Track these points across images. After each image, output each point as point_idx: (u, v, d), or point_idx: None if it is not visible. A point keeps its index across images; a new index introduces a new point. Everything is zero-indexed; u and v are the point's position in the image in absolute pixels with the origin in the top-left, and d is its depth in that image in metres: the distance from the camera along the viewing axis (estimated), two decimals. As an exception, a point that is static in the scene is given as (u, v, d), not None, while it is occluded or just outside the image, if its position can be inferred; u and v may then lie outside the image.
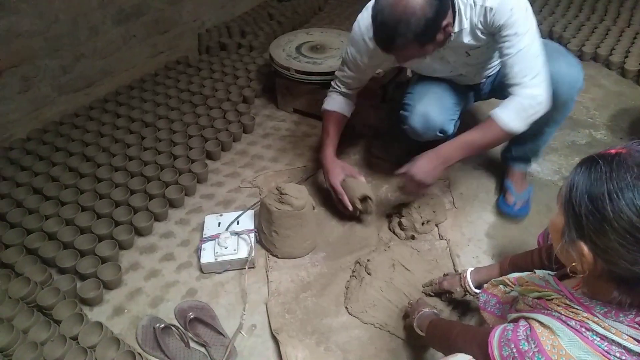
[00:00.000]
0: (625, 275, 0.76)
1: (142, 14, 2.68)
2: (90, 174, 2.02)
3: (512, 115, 1.47)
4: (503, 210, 1.88)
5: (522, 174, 1.94)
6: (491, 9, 1.43)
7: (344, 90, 1.87)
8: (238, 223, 1.77)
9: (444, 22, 1.40)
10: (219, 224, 1.77)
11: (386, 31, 1.37)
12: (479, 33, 1.52)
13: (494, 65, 1.78)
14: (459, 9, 1.48)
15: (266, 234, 1.70)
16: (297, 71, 2.32)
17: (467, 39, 1.55)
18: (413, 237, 1.77)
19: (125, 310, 1.58)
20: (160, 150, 2.15)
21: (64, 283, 1.59)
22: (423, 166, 1.56)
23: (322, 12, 3.82)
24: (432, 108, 1.73)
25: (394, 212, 1.84)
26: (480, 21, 1.48)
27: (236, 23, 3.28)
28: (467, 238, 1.79)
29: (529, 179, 2.01)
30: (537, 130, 1.69)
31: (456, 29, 1.51)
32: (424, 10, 1.31)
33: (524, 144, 1.85)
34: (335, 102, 1.89)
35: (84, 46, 2.44)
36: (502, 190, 1.96)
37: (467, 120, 2.02)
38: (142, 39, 2.73)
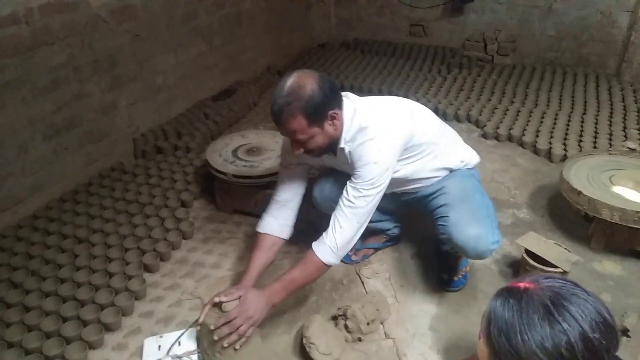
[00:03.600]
0: None
1: (74, 127, 2.67)
2: (17, 302, 1.90)
3: (326, 250, 1.63)
4: (441, 286, 1.98)
5: (454, 257, 2.01)
6: (350, 152, 1.67)
7: (279, 200, 1.88)
8: (180, 344, 1.71)
9: (332, 111, 1.60)
10: (159, 347, 1.69)
11: (279, 103, 1.54)
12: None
13: (410, 185, 1.88)
14: (342, 130, 1.66)
15: (209, 355, 1.64)
16: (234, 175, 2.37)
17: (346, 159, 1.70)
18: (360, 339, 1.77)
19: None
20: (94, 269, 2.07)
21: None
22: (253, 302, 1.57)
23: (257, 107, 3.97)
24: (328, 185, 1.97)
25: (338, 313, 1.84)
26: (349, 153, 1.68)
27: (172, 125, 3.34)
28: (412, 334, 1.81)
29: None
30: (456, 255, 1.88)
31: (341, 145, 1.68)
32: (312, 87, 1.54)
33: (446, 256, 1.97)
34: (265, 223, 1.86)
35: (12, 165, 2.39)
36: (438, 269, 2.06)
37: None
38: (74, 150, 2.71)
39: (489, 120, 3.40)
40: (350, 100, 1.71)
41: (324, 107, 1.57)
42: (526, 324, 0.79)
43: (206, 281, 2.12)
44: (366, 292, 2.01)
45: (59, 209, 2.50)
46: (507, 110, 3.56)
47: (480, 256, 1.73)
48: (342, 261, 1.76)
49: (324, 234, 1.66)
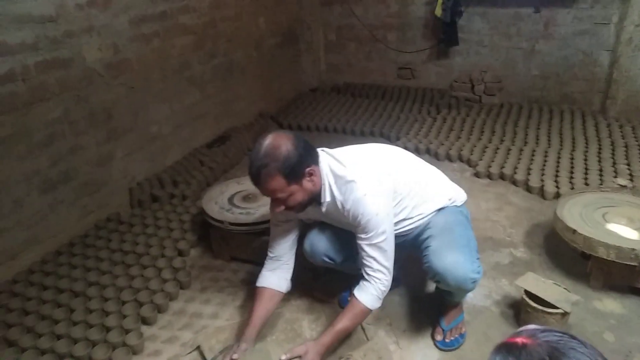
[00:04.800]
0: None
1: (70, 180, 2.69)
2: (12, 362, 1.86)
3: (374, 299, 1.73)
4: (436, 345, 1.94)
5: (452, 305, 2.01)
6: (347, 210, 1.70)
7: (273, 256, 1.96)
8: (179, 401, 1.67)
9: (309, 169, 1.66)
10: (159, 405, 1.65)
11: (256, 164, 1.60)
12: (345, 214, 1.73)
13: (401, 228, 1.90)
14: (322, 184, 1.73)
15: None
16: (231, 223, 2.37)
17: (337, 209, 1.74)
18: (363, 390, 1.74)
19: None
20: (91, 324, 2.04)
21: None
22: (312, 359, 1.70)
23: (251, 152, 4.00)
24: (319, 238, 1.99)
25: (340, 363, 1.82)
26: (345, 211, 1.71)
27: (167, 173, 3.36)
28: (416, 382, 1.79)
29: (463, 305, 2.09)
30: (452, 292, 1.89)
31: (327, 198, 1.74)
32: (287, 147, 1.60)
33: (443, 291, 1.96)
34: (263, 278, 1.95)
35: (7, 220, 2.38)
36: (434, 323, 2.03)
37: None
38: (70, 202, 2.71)
39: (481, 160, 3.45)
40: (328, 155, 1.79)
41: (300, 165, 1.63)
42: None
43: (204, 331, 2.08)
44: (367, 339, 1.98)
45: (54, 263, 2.48)
46: (498, 149, 3.62)
47: (460, 284, 1.73)
48: None
49: (364, 280, 1.74)
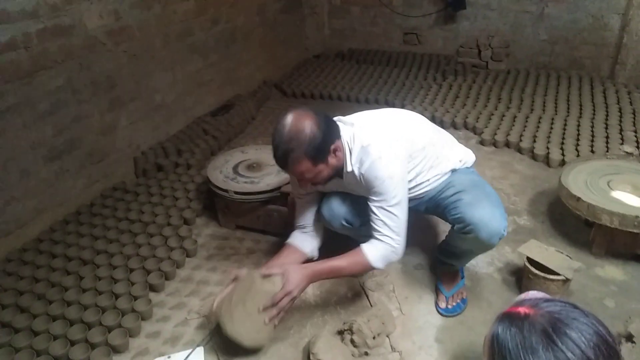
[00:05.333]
0: None
1: (75, 149, 2.69)
2: (25, 327, 1.91)
3: (378, 256, 1.71)
4: (438, 312, 1.97)
5: (451, 273, 2.04)
6: (362, 174, 1.69)
7: (299, 225, 2.02)
8: (188, 364, 1.72)
9: (333, 146, 1.65)
10: (168, 367, 1.71)
11: (281, 149, 1.60)
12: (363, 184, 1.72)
13: (417, 190, 1.90)
14: (345, 156, 1.71)
15: (230, 305, 1.69)
16: (236, 192, 2.38)
17: (355, 177, 1.73)
18: (366, 354, 1.78)
19: None
20: (100, 290, 2.08)
21: None
22: (294, 278, 1.68)
23: (255, 121, 3.99)
24: (337, 203, 1.96)
25: (344, 328, 1.85)
26: (361, 175, 1.70)
27: (171, 142, 3.36)
28: (418, 346, 1.83)
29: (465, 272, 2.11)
30: (460, 254, 1.92)
31: (348, 168, 1.72)
32: (312, 129, 1.58)
33: (448, 257, 1.99)
34: (290, 238, 2.01)
35: (15, 189, 2.40)
36: (436, 290, 2.05)
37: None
38: (75, 171, 2.72)
39: (486, 127, 3.42)
40: (345, 125, 1.77)
41: (326, 145, 1.63)
42: (530, 354, 0.81)
43: (211, 299, 2.13)
44: (371, 305, 2.02)
45: (62, 231, 2.51)
46: (504, 116, 3.58)
47: (491, 237, 1.70)
48: None
49: (373, 239, 1.72)
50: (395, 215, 1.68)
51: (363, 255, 1.72)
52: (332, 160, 1.67)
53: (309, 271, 1.72)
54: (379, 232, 1.70)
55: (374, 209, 1.70)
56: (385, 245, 1.70)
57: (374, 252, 1.71)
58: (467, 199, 1.75)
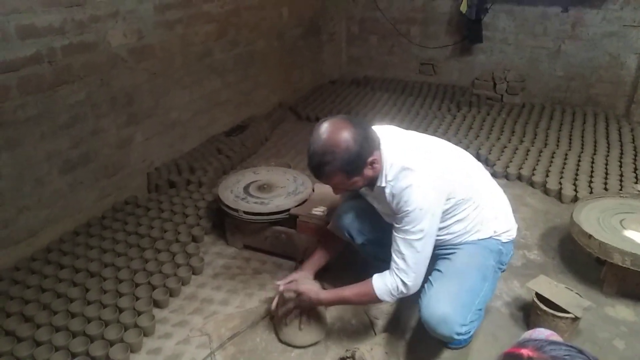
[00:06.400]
0: None
1: (89, 161, 2.74)
2: (28, 337, 1.91)
3: (385, 290, 1.67)
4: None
5: None
6: (393, 195, 1.64)
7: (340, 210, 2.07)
8: (187, 384, 1.70)
9: (370, 159, 1.60)
10: (167, 386, 1.69)
11: (315, 160, 1.58)
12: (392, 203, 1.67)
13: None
14: (382, 169, 1.66)
15: (278, 318, 1.95)
16: (245, 212, 2.39)
17: (383, 194, 1.69)
18: (367, 383, 1.75)
19: None
20: (105, 304, 2.09)
21: None
22: (309, 292, 1.82)
23: (269, 142, 4.03)
24: (347, 214, 2.00)
25: (346, 355, 1.82)
26: (392, 196, 1.65)
27: (185, 160, 3.40)
28: (421, 378, 1.79)
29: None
30: None
31: (381, 183, 1.67)
32: (348, 144, 1.55)
33: None
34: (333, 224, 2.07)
35: (28, 198, 2.44)
36: None
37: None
38: (89, 184, 2.76)
39: (498, 159, 3.41)
40: (391, 136, 1.71)
41: (361, 158, 1.58)
42: None
43: (214, 318, 2.12)
44: (375, 334, 1.99)
45: (72, 242, 2.53)
46: (517, 149, 3.57)
47: (442, 338, 1.66)
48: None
49: (387, 270, 1.68)
50: (416, 249, 1.60)
51: (371, 287, 1.68)
52: (368, 172, 1.63)
53: (317, 298, 1.82)
54: (395, 264, 1.64)
55: (396, 238, 1.63)
56: (396, 280, 1.64)
57: (382, 286, 1.67)
58: (432, 291, 1.67)
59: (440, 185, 1.62)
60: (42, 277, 2.27)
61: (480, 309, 1.73)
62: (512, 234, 1.87)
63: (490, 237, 1.80)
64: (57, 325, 1.97)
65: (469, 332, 1.68)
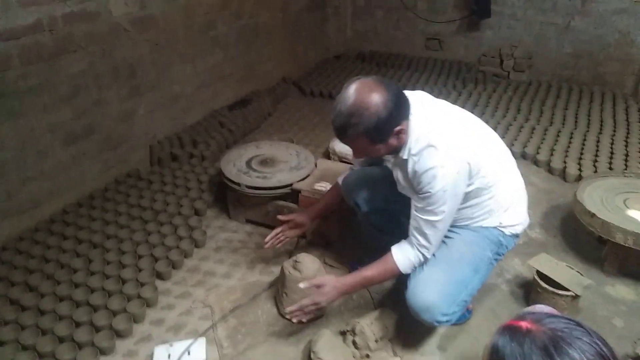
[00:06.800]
0: None
1: (92, 133, 2.72)
2: (32, 306, 1.93)
3: (409, 264, 1.66)
4: None
5: None
6: (415, 172, 1.56)
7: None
8: (189, 354, 1.73)
9: (398, 128, 1.52)
10: (169, 355, 1.72)
11: (340, 120, 1.49)
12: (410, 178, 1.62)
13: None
14: (407, 140, 1.57)
15: (279, 292, 1.97)
16: (247, 186, 2.39)
17: (404, 167, 1.63)
18: (368, 356, 1.77)
19: None
20: (108, 275, 2.10)
21: None
22: (327, 291, 1.70)
23: (272, 117, 4.00)
24: (356, 182, 2.01)
25: (347, 329, 1.84)
26: (414, 172, 1.58)
27: (187, 133, 3.38)
28: (420, 353, 1.81)
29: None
30: None
31: (403, 155, 1.60)
32: (377, 109, 1.45)
33: None
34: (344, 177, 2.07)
35: (31, 169, 2.43)
36: None
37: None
38: (92, 156, 2.75)
39: (503, 137, 3.36)
40: (422, 106, 1.60)
41: (389, 127, 1.50)
42: None
43: (216, 290, 2.14)
44: (375, 308, 2.00)
45: (75, 214, 2.54)
46: (522, 127, 3.54)
47: (422, 322, 1.66)
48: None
49: (407, 243, 1.66)
50: (437, 228, 1.59)
51: (394, 263, 1.66)
52: (393, 141, 1.55)
53: (341, 285, 1.70)
54: (417, 240, 1.62)
55: (417, 217, 1.60)
56: (419, 255, 1.64)
57: (405, 261, 1.65)
58: (422, 276, 1.65)
59: (464, 169, 1.54)
60: (45, 248, 2.28)
61: (465, 301, 1.72)
62: (519, 229, 1.80)
63: (494, 227, 1.74)
64: (60, 295, 1.99)
65: (450, 320, 1.68)
